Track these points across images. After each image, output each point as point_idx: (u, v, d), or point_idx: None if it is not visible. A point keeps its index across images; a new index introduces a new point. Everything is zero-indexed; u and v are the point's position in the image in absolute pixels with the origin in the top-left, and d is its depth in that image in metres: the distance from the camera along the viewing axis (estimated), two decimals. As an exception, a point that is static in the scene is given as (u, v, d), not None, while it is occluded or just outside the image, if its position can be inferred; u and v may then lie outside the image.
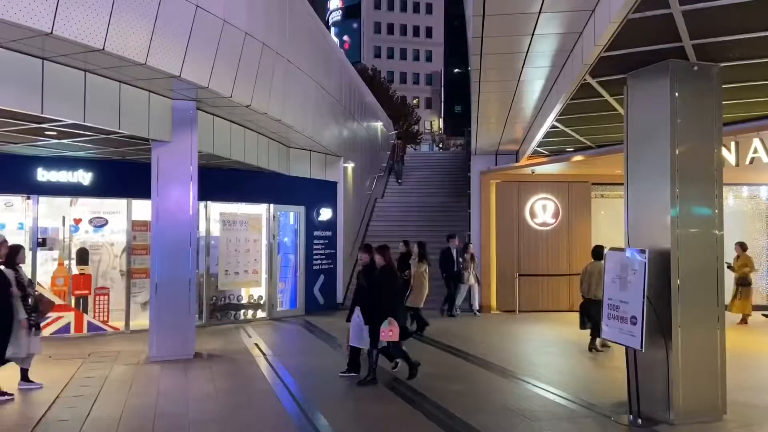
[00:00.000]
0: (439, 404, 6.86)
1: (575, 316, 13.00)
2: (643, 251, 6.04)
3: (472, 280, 13.90)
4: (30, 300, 7.40)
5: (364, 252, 8.17)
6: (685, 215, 6.19)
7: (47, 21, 5.67)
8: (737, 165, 9.39)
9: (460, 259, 13.80)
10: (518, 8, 6.60)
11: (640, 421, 6.15)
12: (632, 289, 6.08)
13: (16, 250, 7.47)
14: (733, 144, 9.22)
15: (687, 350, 6.11)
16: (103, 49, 6.31)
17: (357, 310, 7.97)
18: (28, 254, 10.70)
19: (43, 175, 10.54)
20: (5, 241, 7.60)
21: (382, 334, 7.50)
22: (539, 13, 6.61)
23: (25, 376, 7.47)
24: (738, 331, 11.00)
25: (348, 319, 8.12)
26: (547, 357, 9.84)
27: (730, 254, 11.63)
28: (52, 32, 5.74)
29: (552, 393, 7.36)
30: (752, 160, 9.37)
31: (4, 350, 7.07)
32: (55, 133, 8.59)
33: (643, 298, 5.90)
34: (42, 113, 7.06)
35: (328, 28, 62.84)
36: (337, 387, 7.80)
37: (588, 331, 9.77)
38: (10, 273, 7.22)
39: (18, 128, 8.24)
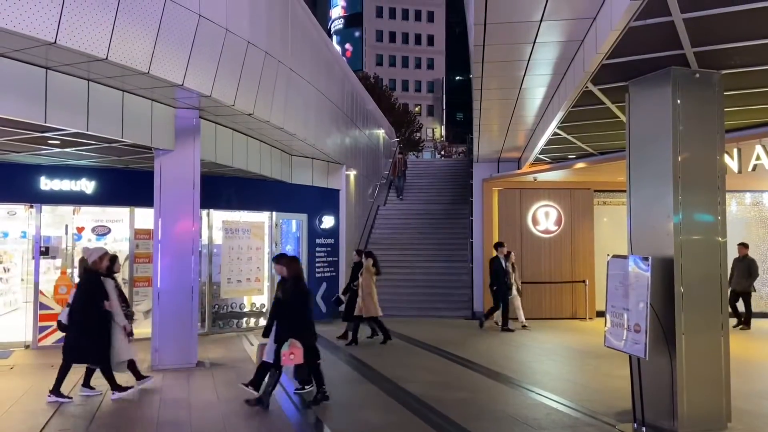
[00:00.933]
0: (443, 413, 6.84)
1: (578, 324, 12.98)
2: (646, 259, 6.02)
3: (514, 291, 13.20)
4: (127, 307, 7.93)
5: (276, 263, 7.47)
6: (687, 222, 6.18)
7: (51, 31, 5.69)
8: (740, 172, 9.38)
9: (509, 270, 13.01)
10: (519, 17, 6.61)
11: (644, 429, 6.12)
12: (635, 297, 6.07)
13: (114, 259, 7.90)
14: (735, 151, 9.22)
15: (691, 358, 6.08)
16: (107, 58, 6.34)
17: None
18: (31, 262, 10.77)
19: (46, 183, 10.58)
20: (107, 252, 7.86)
21: (283, 358, 6.79)
22: (540, 21, 6.63)
23: (87, 382, 7.71)
24: (741, 339, 10.94)
25: (264, 334, 7.40)
26: (550, 365, 9.81)
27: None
28: (55, 42, 5.77)
29: (555, 401, 7.33)
30: (755, 167, 9.37)
31: (107, 355, 7.46)
32: (58, 142, 8.62)
33: (647, 305, 5.89)
34: (45, 122, 7.08)
35: (330, 36, 63.13)
36: (340, 395, 7.77)
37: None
38: (110, 283, 7.65)
39: (21, 137, 8.26)
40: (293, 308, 7.05)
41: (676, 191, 6.15)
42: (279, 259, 7.50)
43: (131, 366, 7.78)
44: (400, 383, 8.22)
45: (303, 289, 7.25)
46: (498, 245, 13.19)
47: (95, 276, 7.50)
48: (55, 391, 7.27)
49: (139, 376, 7.84)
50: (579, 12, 6.38)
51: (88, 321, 7.33)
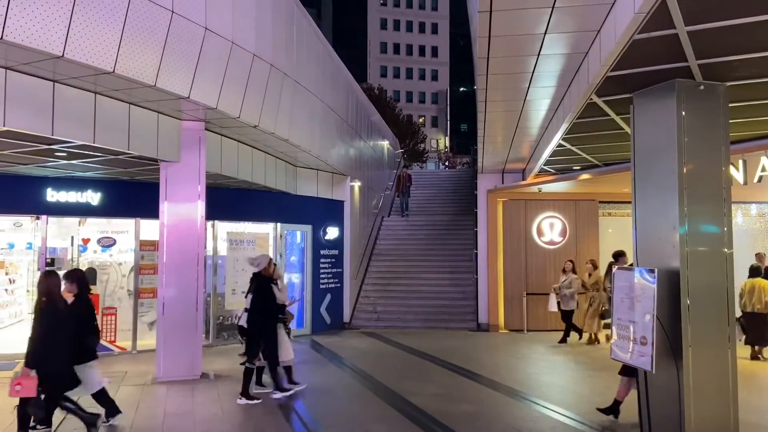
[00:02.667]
0: (448, 426, 6.80)
1: (584, 335, 12.89)
2: (652, 271, 6.00)
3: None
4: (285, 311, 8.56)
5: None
6: (693, 234, 6.16)
7: (59, 44, 5.75)
8: (745, 183, 9.35)
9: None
10: (524, 29, 6.64)
11: (651, 443, 6.07)
12: (642, 309, 6.04)
13: (274, 265, 8.65)
14: (741, 162, 9.20)
15: (698, 370, 6.03)
16: (114, 71, 6.39)
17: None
18: (36, 274, 10.79)
19: (52, 195, 10.63)
20: (272, 259, 8.49)
21: (9, 389, 5.82)
22: (545, 33, 6.66)
23: (259, 381, 8.47)
24: (748, 350, 10.85)
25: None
26: (555, 377, 9.75)
27: (739, 272, 11.49)
28: (63, 55, 5.82)
29: (561, 414, 7.28)
30: (760, 178, 9.34)
31: (277, 355, 8.13)
32: (64, 154, 8.67)
33: (653, 317, 5.86)
34: (52, 135, 7.13)
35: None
36: (345, 407, 7.74)
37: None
38: (274, 288, 8.24)
39: (28, 149, 8.32)
40: (43, 331, 5.92)
41: (681, 202, 6.14)
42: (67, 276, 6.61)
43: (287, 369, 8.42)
44: (405, 395, 8.18)
45: (56, 313, 6.12)
46: (619, 254, 11.33)
47: (267, 281, 8.13)
48: (245, 393, 7.90)
49: (290, 380, 8.42)
50: (583, 25, 6.40)
51: (261, 324, 7.97)
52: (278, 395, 8.03)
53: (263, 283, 8.13)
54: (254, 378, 8.32)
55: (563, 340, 12.65)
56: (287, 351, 8.34)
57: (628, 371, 6.81)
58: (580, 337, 12.72)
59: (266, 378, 8.58)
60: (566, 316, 12.81)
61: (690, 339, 6.04)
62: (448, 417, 7.15)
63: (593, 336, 12.46)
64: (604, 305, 12.05)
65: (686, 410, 5.97)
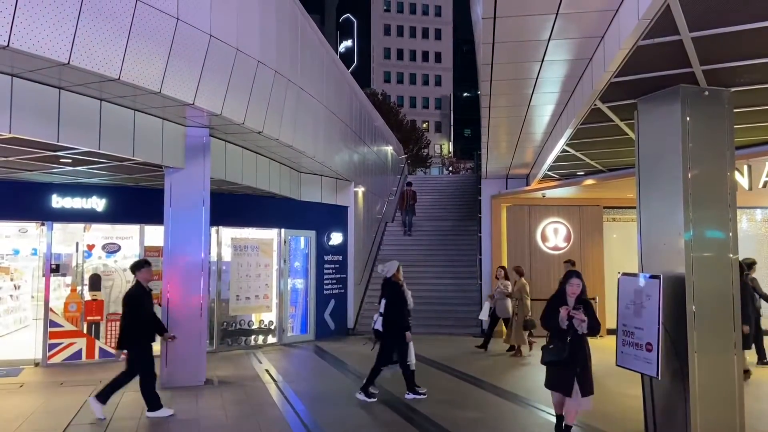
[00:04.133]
0: (452, 432, 6.77)
1: (589, 341, 12.80)
2: (657, 276, 5.99)
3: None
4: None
5: None
6: (699, 239, 6.14)
7: (64, 52, 5.78)
8: (750, 189, 9.33)
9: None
10: (528, 36, 6.65)
11: (657, 450, 6.03)
12: (647, 315, 6.02)
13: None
14: (745, 167, 9.19)
15: (704, 377, 6.01)
16: (119, 78, 6.42)
17: None
18: (41, 280, 10.83)
19: (57, 201, 10.66)
20: (400, 265, 8.75)
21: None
22: (549, 40, 6.67)
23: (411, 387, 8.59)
24: (753, 357, 10.78)
25: None
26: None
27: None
28: (69, 62, 5.85)
29: (567, 421, 7.23)
30: (765, 183, 9.33)
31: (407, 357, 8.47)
32: (70, 160, 8.71)
33: (658, 324, 5.84)
34: (58, 141, 7.16)
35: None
36: (349, 414, 7.72)
37: None
38: (406, 293, 8.58)
39: (34, 156, 8.36)
40: None
41: (686, 208, 6.13)
42: None
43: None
44: (410, 402, 8.17)
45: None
46: (750, 265, 10.22)
47: (398, 286, 8.47)
48: (365, 390, 8.30)
49: (412, 387, 8.55)
50: (587, 31, 6.41)
51: (394, 327, 8.30)
52: (410, 396, 8.42)
53: (395, 288, 8.48)
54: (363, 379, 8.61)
55: (483, 347, 12.36)
56: (411, 355, 8.62)
57: (556, 386, 6.23)
58: (485, 349, 12.29)
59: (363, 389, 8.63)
60: (495, 322, 12.53)
61: (696, 345, 6.01)
62: (453, 423, 7.12)
63: (517, 347, 11.83)
64: (528, 315, 11.66)
65: (692, 417, 5.94)
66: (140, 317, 7.45)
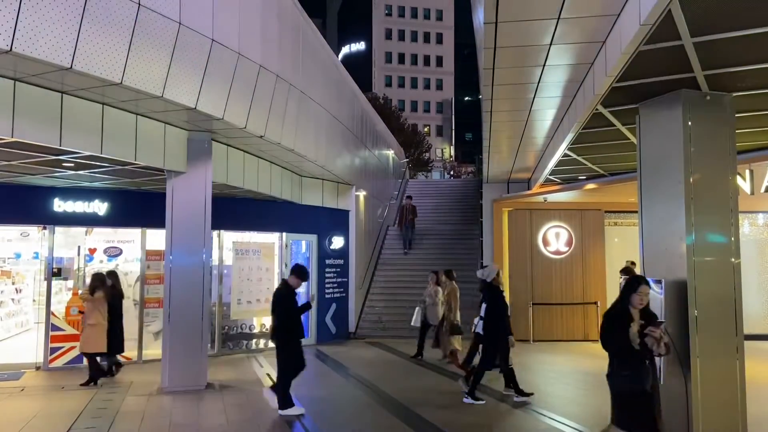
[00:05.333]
0: (454, 437, 6.75)
1: (590, 346, 12.83)
2: (659, 281, 5.98)
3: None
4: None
5: None
6: (701, 244, 6.14)
7: (67, 56, 5.80)
8: (752, 193, 9.33)
9: None
10: (529, 40, 6.66)
11: (659, 455, 5.99)
12: (649, 320, 6.00)
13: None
14: (747, 172, 9.18)
15: (706, 381, 6.00)
16: (121, 83, 6.44)
17: None
18: (43, 284, 10.83)
19: (59, 205, 10.68)
20: (500, 270, 8.86)
21: None
22: (550, 45, 6.68)
23: (509, 384, 8.78)
24: (756, 362, 10.77)
25: None
26: (561, 387, 9.70)
27: (746, 285, 11.37)
28: (71, 67, 5.87)
29: (568, 426, 7.23)
30: (767, 188, 9.31)
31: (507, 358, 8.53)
32: (72, 164, 8.72)
33: (661, 329, 5.82)
34: (60, 146, 7.18)
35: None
36: (349, 418, 7.71)
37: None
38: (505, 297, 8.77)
39: (36, 160, 8.37)
40: None
41: (688, 213, 6.13)
42: None
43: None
44: (411, 406, 8.15)
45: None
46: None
47: (499, 291, 8.58)
48: (518, 391, 8.51)
49: (518, 391, 8.62)
50: (588, 36, 6.42)
51: (495, 330, 8.36)
52: (519, 398, 8.52)
53: (495, 292, 8.56)
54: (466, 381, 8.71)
55: (417, 355, 11.96)
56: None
57: (639, 425, 4.86)
58: (420, 356, 11.88)
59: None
60: (426, 329, 12.05)
61: (698, 350, 6.00)
62: (455, 428, 7.10)
63: (448, 354, 11.30)
64: (454, 320, 11.18)
65: (694, 421, 5.93)
66: (290, 316, 7.76)
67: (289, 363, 7.76)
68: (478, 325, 8.74)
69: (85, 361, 9.80)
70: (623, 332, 4.71)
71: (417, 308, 12.40)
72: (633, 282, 4.95)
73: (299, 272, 7.96)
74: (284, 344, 7.73)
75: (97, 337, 9.35)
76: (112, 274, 10.14)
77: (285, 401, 7.73)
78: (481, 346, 8.65)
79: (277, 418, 7.69)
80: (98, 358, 9.57)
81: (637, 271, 6.83)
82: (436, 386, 9.59)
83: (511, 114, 9.88)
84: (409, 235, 18.95)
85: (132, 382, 9.52)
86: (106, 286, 9.61)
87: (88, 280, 11.11)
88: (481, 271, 9.01)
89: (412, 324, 12.50)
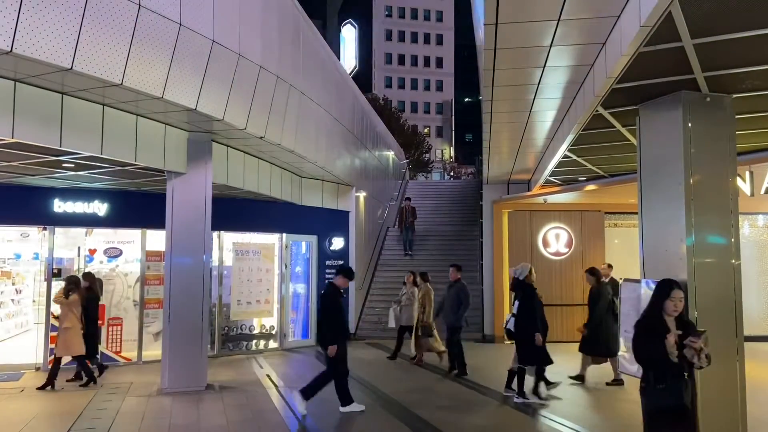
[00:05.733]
0: (454, 438, 6.75)
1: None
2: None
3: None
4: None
5: None
6: (701, 245, 6.13)
7: (67, 57, 5.80)
8: (752, 195, 9.32)
9: None
10: (530, 42, 6.66)
11: (659, 456, 5.99)
12: (649, 321, 5.99)
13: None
14: (747, 173, 9.18)
15: (706, 383, 5.99)
16: (122, 83, 6.44)
17: None
18: (43, 284, 10.82)
19: (59, 206, 10.68)
20: (532, 268, 8.95)
21: None
22: (550, 46, 6.68)
23: (542, 383, 8.89)
24: (756, 364, 10.76)
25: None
26: (563, 390, 9.68)
27: (746, 286, 11.35)
28: (72, 68, 5.87)
29: (569, 428, 7.23)
30: (767, 189, 9.31)
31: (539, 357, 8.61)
32: (72, 165, 8.72)
33: (661, 330, 5.81)
34: (60, 146, 7.18)
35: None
36: (350, 420, 7.71)
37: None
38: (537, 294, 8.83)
39: (37, 161, 8.38)
40: None
41: (688, 214, 6.12)
42: None
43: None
44: (411, 408, 8.15)
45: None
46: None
47: (531, 289, 8.68)
48: (520, 392, 8.53)
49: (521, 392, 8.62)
50: (589, 37, 6.42)
51: (528, 328, 8.45)
52: (518, 400, 8.53)
53: (528, 289, 8.68)
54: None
55: (393, 357, 11.91)
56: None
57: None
58: (394, 358, 11.83)
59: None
60: (403, 330, 11.94)
61: (698, 352, 5.99)
62: (456, 429, 7.10)
63: (418, 356, 11.39)
64: (427, 321, 11.04)
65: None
66: (337, 316, 8.01)
67: (338, 362, 7.93)
68: (509, 321, 8.87)
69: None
70: (659, 343, 4.27)
71: (391, 309, 12.34)
72: (664, 287, 4.52)
73: (346, 272, 8.29)
74: (330, 344, 7.88)
75: (73, 340, 9.23)
76: (89, 276, 10.08)
77: (346, 398, 7.94)
78: (513, 343, 8.80)
79: (277, 419, 7.69)
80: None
81: (636, 272, 6.82)
82: (436, 387, 9.58)
83: (511, 115, 9.88)
84: (409, 237, 18.82)
85: (132, 383, 9.51)
86: (81, 289, 9.51)
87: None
88: (513, 269, 9.14)
89: (389, 326, 12.48)
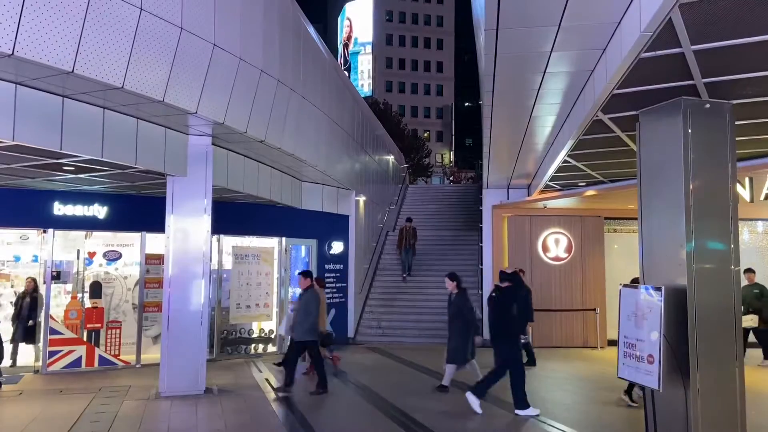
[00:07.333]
0: (453, 443, 6.74)
1: (590, 353, 12.81)
2: (658, 288, 5.97)
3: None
4: None
5: None
6: (700, 251, 6.13)
7: (69, 60, 5.81)
8: (752, 201, 9.34)
9: None
10: (530, 47, 6.68)
11: (659, 463, 5.98)
12: (648, 327, 6.00)
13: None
14: (747, 180, 9.19)
15: (706, 389, 5.98)
16: (123, 87, 6.45)
17: None
18: (42, 287, 10.82)
19: (59, 209, 10.68)
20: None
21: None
22: (551, 52, 6.69)
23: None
24: (755, 370, 10.75)
25: None
26: (560, 394, 9.68)
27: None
28: (73, 71, 5.88)
29: (567, 433, 7.21)
30: (767, 195, 9.33)
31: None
32: (72, 168, 8.73)
33: (660, 336, 5.82)
34: (61, 149, 7.18)
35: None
36: (350, 424, 7.69)
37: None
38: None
39: (37, 163, 8.38)
40: None
41: (688, 220, 6.12)
42: None
43: None
44: (410, 412, 8.13)
45: None
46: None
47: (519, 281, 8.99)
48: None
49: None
50: (589, 43, 6.44)
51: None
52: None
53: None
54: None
55: (281, 363, 10.58)
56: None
57: None
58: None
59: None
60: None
61: (697, 357, 5.99)
62: (453, 435, 7.09)
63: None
64: (323, 329, 10.37)
65: (693, 429, 5.91)
66: (508, 315, 8.21)
67: (514, 362, 8.21)
68: None
69: (83, 364, 9.79)
70: None
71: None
72: None
73: (510, 278, 8.59)
74: (502, 343, 8.21)
75: None
76: None
77: (523, 403, 8.02)
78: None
79: (276, 423, 7.68)
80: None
81: (634, 277, 6.83)
82: (434, 392, 9.56)
83: (511, 120, 9.90)
84: (409, 260, 17.67)
85: (130, 387, 9.50)
86: None
87: (87, 284, 11.14)
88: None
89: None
